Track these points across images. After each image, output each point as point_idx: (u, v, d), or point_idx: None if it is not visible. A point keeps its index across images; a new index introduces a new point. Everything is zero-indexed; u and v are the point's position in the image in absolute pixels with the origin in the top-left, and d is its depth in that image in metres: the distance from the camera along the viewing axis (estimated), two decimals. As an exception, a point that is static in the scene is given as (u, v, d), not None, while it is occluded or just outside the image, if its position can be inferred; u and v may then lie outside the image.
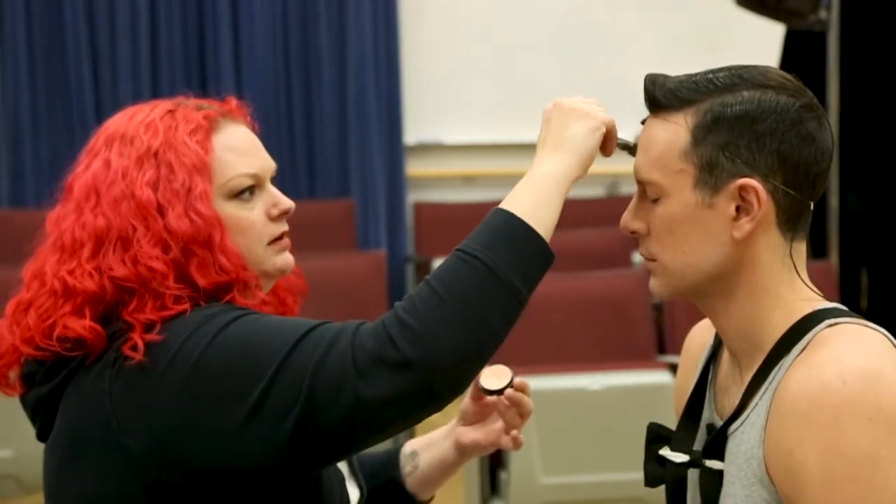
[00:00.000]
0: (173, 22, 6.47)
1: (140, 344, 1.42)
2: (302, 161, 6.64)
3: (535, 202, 1.44)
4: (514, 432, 1.70)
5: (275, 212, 1.57)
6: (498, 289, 1.39)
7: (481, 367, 1.42)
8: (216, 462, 1.40)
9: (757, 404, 1.36)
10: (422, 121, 6.85)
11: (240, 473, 1.41)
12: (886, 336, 1.36)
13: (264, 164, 1.59)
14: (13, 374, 1.53)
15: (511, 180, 5.82)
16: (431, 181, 6.93)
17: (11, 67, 6.35)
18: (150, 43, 6.45)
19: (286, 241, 1.59)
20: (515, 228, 1.43)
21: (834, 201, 4.96)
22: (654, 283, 1.45)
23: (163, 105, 1.58)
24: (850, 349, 1.31)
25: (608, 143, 1.50)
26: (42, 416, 1.53)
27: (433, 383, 1.36)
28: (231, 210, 1.53)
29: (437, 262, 5.64)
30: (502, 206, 1.45)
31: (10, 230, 5.16)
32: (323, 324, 1.43)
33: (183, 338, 1.42)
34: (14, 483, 4.31)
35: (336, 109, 6.63)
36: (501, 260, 1.40)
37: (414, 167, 6.87)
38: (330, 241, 6.06)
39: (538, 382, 3.70)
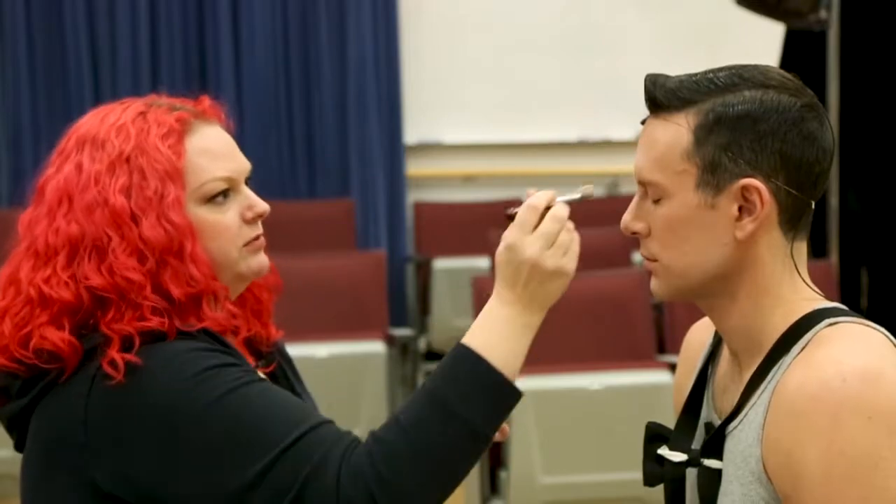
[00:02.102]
0: (173, 22, 6.47)
1: (119, 362, 1.41)
2: (302, 161, 6.64)
3: (510, 351, 1.45)
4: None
5: (249, 215, 1.55)
6: (473, 445, 1.42)
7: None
8: None
9: (755, 403, 1.36)
10: (422, 121, 6.85)
11: None
12: (887, 336, 1.36)
13: (239, 166, 1.56)
14: None
15: (511, 180, 5.85)
16: (431, 181, 6.93)
17: (11, 67, 6.36)
18: (150, 43, 6.46)
19: (261, 241, 1.57)
20: (494, 381, 1.43)
21: (834, 201, 4.96)
22: (655, 284, 1.45)
23: (134, 106, 1.55)
24: (849, 349, 1.31)
25: None
26: (18, 429, 1.52)
27: None
28: (204, 215, 1.51)
29: (438, 263, 5.59)
30: (479, 349, 1.44)
31: (11, 230, 5.16)
32: (317, 426, 1.42)
33: (175, 389, 1.40)
34: (14, 483, 4.30)
35: (336, 109, 6.63)
36: (479, 416, 1.42)
37: (414, 167, 6.87)
38: (330, 241, 6.06)
39: (538, 382, 3.70)
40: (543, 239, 1.46)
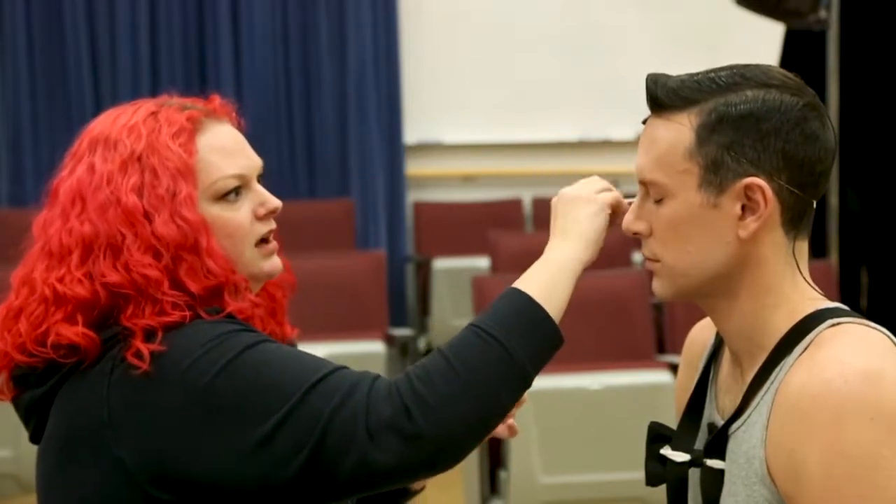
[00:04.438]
0: (173, 22, 6.48)
1: (145, 352, 1.41)
2: (302, 161, 6.64)
3: (548, 285, 1.47)
4: (509, 420, 1.70)
5: (262, 211, 1.56)
6: (511, 369, 1.42)
7: (483, 440, 1.46)
8: (213, 481, 1.40)
9: (758, 404, 1.36)
10: (422, 121, 6.86)
11: (236, 494, 1.41)
12: (888, 336, 1.36)
13: (250, 163, 1.57)
14: (1, 380, 1.52)
15: (511, 180, 5.85)
16: (431, 181, 6.93)
17: (11, 67, 6.36)
18: (150, 43, 6.46)
19: (274, 244, 1.58)
20: (531, 311, 1.45)
21: (834, 201, 4.96)
22: (657, 285, 1.45)
23: (146, 106, 1.56)
24: (851, 349, 1.31)
25: (615, 217, 1.54)
26: (35, 418, 1.52)
27: (438, 456, 1.40)
28: (217, 212, 1.52)
29: (438, 263, 5.60)
30: (518, 286, 1.47)
31: (10, 230, 5.16)
32: (338, 369, 1.43)
33: (192, 358, 1.41)
34: (14, 483, 4.31)
35: (336, 109, 6.63)
36: (517, 341, 1.42)
37: (414, 167, 6.88)
38: (330, 241, 6.06)
39: (538, 382, 3.68)
40: (579, 184, 1.53)
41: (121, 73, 6.39)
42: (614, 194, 1.53)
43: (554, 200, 1.54)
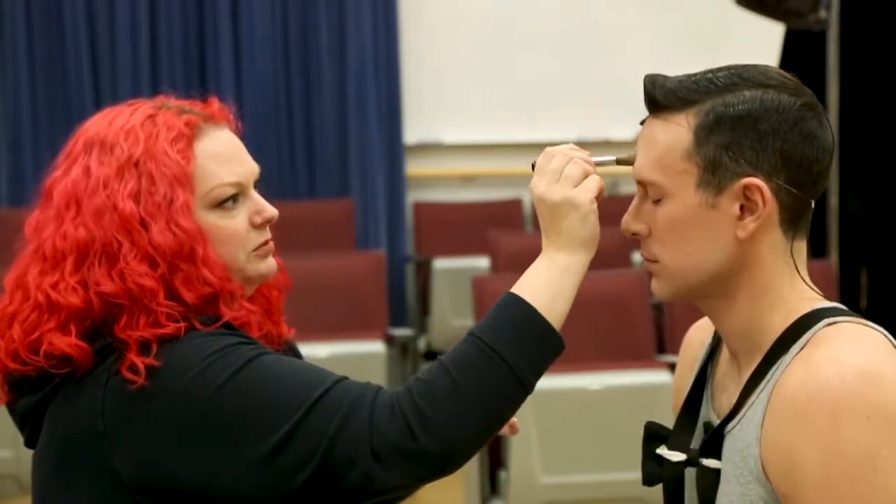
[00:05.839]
0: (173, 22, 6.48)
1: (140, 366, 1.41)
2: (302, 161, 6.64)
3: (551, 294, 1.46)
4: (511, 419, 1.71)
5: (258, 220, 1.55)
6: (513, 383, 1.43)
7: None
8: (211, 493, 1.41)
9: (754, 403, 1.36)
10: (422, 121, 6.86)
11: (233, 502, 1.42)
12: (886, 336, 1.36)
13: (248, 170, 1.55)
14: None
15: (511, 180, 5.84)
16: (431, 181, 6.93)
17: (11, 67, 6.36)
18: (150, 43, 6.46)
19: (270, 246, 1.57)
20: (535, 324, 1.45)
21: (834, 201, 4.96)
22: (656, 285, 1.45)
23: (143, 108, 1.54)
24: (848, 348, 1.31)
25: (600, 197, 1.51)
26: (30, 424, 1.52)
27: (442, 468, 1.41)
28: (214, 220, 1.51)
29: (438, 263, 5.57)
30: (521, 294, 1.46)
31: (10, 230, 5.16)
32: (339, 382, 1.43)
33: (194, 371, 1.41)
34: (14, 483, 4.32)
35: (336, 109, 6.63)
36: (518, 354, 1.43)
37: (414, 167, 6.88)
38: (330, 241, 6.07)
39: (538, 382, 3.69)
40: (549, 175, 1.47)
41: (121, 73, 6.39)
42: (593, 186, 1.47)
43: (534, 194, 1.48)
